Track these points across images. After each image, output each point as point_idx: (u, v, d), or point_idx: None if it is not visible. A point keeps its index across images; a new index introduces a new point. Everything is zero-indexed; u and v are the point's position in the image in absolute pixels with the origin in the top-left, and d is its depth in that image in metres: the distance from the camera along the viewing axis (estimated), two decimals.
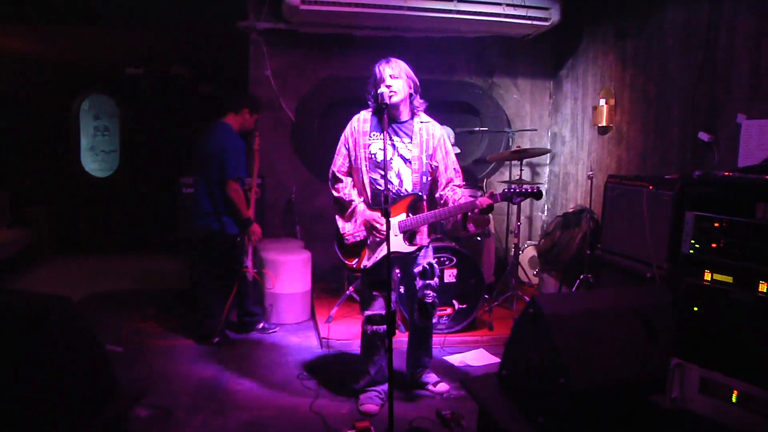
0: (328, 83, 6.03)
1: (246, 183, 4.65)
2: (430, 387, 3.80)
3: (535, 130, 6.41)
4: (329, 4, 4.99)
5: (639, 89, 4.94)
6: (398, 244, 3.37)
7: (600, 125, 5.38)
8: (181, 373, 4.10)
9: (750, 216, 2.11)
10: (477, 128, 6.11)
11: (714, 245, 2.10)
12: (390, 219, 3.30)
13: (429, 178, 3.48)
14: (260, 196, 4.94)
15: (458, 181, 3.53)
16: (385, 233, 3.29)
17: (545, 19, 5.41)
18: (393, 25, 5.56)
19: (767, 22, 3.66)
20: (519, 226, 5.37)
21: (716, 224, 2.10)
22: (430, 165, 3.46)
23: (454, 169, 3.54)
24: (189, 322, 4.94)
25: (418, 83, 3.45)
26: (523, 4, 5.27)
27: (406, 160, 3.42)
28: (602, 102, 5.34)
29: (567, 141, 6.15)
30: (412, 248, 3.44)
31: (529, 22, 5.38)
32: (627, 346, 2.56)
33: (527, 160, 5.86)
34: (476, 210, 3.32)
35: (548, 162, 6.56)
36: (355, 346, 4.06)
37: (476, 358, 4.40)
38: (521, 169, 5.49)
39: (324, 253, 5.69)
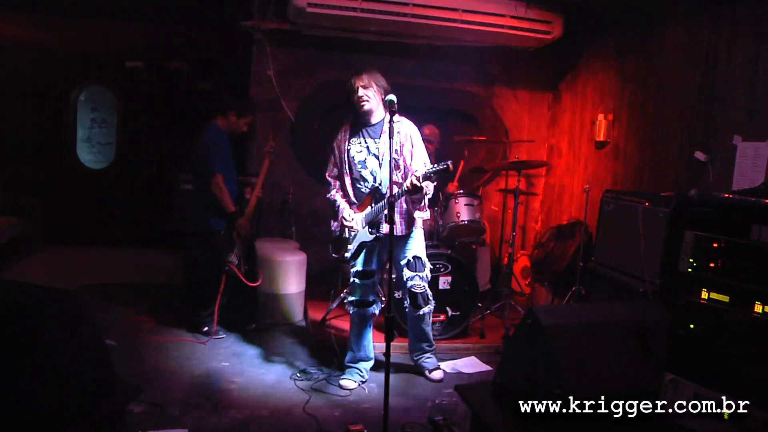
0: (329, 86, 6.04)
1: (250, 183, 4.83)
2: (427, 373, 4.15)
3: (533, 141, 6.47)
4: (336, 8, 5.02)
5: (637, 106, 5.01)
6: (364, 234, 3.80)
7: (598, 140, 5.44)
8: (175, 369, 4.11)
9: (743, 236, 2.17)
10: (475, 137, 6.15)
11: (712, 264, 2.15)
12: (358, 213, 3.86)
13: (399, 172, 3.75)
14: (262, 197, 4.99)
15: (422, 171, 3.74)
16: (352, 227, 3.82)
17: (547, 33, 5.48)
18: (398, 32, 5.58)
19: (764, 48, 3.74)
20: (514, 235, 5.42)
21: (715, 244, 2.15)
22: (396, 160, 3.72)
23: (420, 161, 3.80)
24: (183, 317, 4.94)
25: (388, 87, 3.75)
26: (526, 17, 5.33)
27: (378, 158, 3.79)
28: (601, 117, 5.41)
29: (564, 153, 6.21)
30: (371, 237, 3.77)
31: (531, 34, 5.45)
32: (622, 359, 2.61)
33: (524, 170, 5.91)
34: (407, 188, 3.52)
35: (545, 173, 6.61)
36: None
37: (468, 365, 4.44)
38: (519, 179, 5.54)
39: (319, 255, 5.72)
